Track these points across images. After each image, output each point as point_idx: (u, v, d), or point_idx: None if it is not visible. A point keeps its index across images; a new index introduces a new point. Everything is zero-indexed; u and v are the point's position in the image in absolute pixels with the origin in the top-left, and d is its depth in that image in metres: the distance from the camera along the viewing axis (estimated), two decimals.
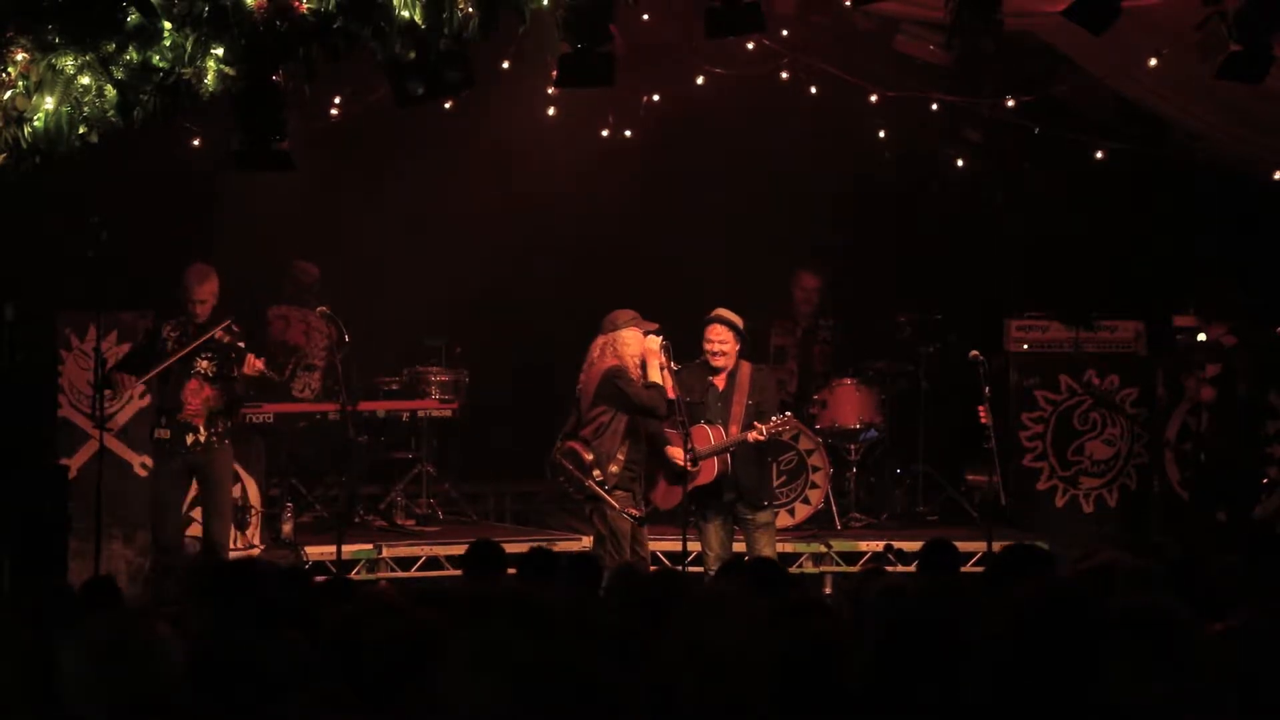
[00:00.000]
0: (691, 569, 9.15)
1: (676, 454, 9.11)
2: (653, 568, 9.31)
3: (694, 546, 9.66)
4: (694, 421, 9.17)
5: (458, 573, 9.00)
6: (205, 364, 9.04)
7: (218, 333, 9.01)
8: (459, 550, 9.13)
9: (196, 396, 9.03)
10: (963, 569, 7.44)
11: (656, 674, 3.66)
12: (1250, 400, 10.17)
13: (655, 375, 9.00)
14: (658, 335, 9.06)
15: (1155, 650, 3.76)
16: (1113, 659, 3.72)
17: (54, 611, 4.57)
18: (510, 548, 10.31)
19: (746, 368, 9.35)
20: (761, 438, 9.13)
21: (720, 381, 9.31)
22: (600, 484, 9.04)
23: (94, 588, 5.64)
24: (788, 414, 9.36)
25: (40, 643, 3.69)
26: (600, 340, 9.14)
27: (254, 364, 9.02)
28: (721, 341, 9.22)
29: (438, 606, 4.06)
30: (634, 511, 9.06)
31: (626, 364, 9.03)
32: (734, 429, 9.17)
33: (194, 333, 9.01)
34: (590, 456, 9.08)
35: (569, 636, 3.08)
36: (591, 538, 9.46)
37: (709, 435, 9.19)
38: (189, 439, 9.05)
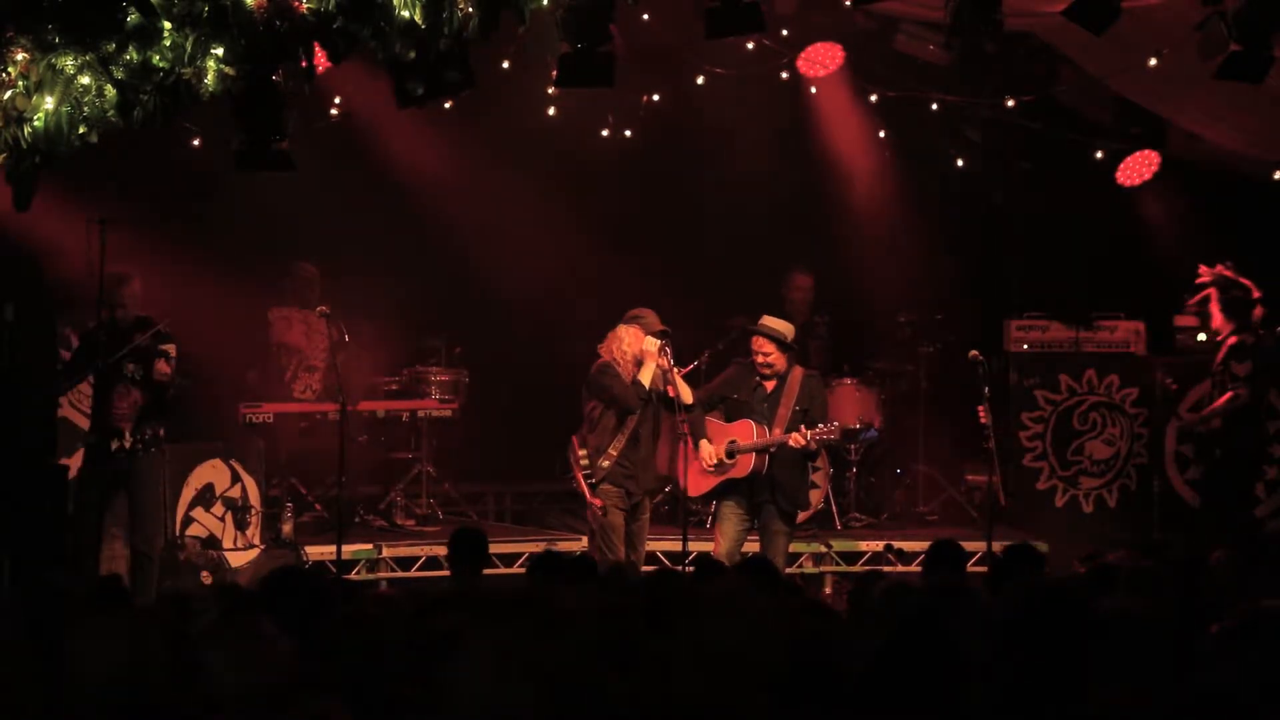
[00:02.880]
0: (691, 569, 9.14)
1: (707, 449, 9.11)
2: (649, 568, 9.32)
3: (694, 546, 9.66)
4: (738, 418, 9.17)
5: None
6: (132, 367, 8.84)
7: (143, 337, 8.82)
8: None
9: (124, 400, 8.83)
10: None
11: (657, 674, 3.65)
12: (1258, 400, 10.14)
13: (645, 375, 9.03)
14: (659, 337, 9.06)
15: (1148, 652, 3.76)
16: (1108, 660, 3.73)
17: (61, 612, 4.56)
18: (510, 548, 10.53)
19: (798, 373, 9.27)
20: (804, 442, 8.98)
21: (769, 384, 9.27)
22: (588, 478, 9.05)
23: (104, 587, 5.62)
24: (835, 424, 9.26)
25: (45, 643, 3.69)
26: (608, 335, 9.20)
27: (161, 369, 8.81)
28: (765, 353, 9.17)
29: (445, 608, 4.05)
30: (597, 502, 9.02)
31: (616, 359, 9.06)
32: (777, 431, 9.12)
33: (118, 336, 8.81)
34: (583, 451, 9.10)
35: (583, 639, 3.08)
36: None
37: (753, 431, 9.15)
38: (114, 444, 8.83)
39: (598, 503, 9.04)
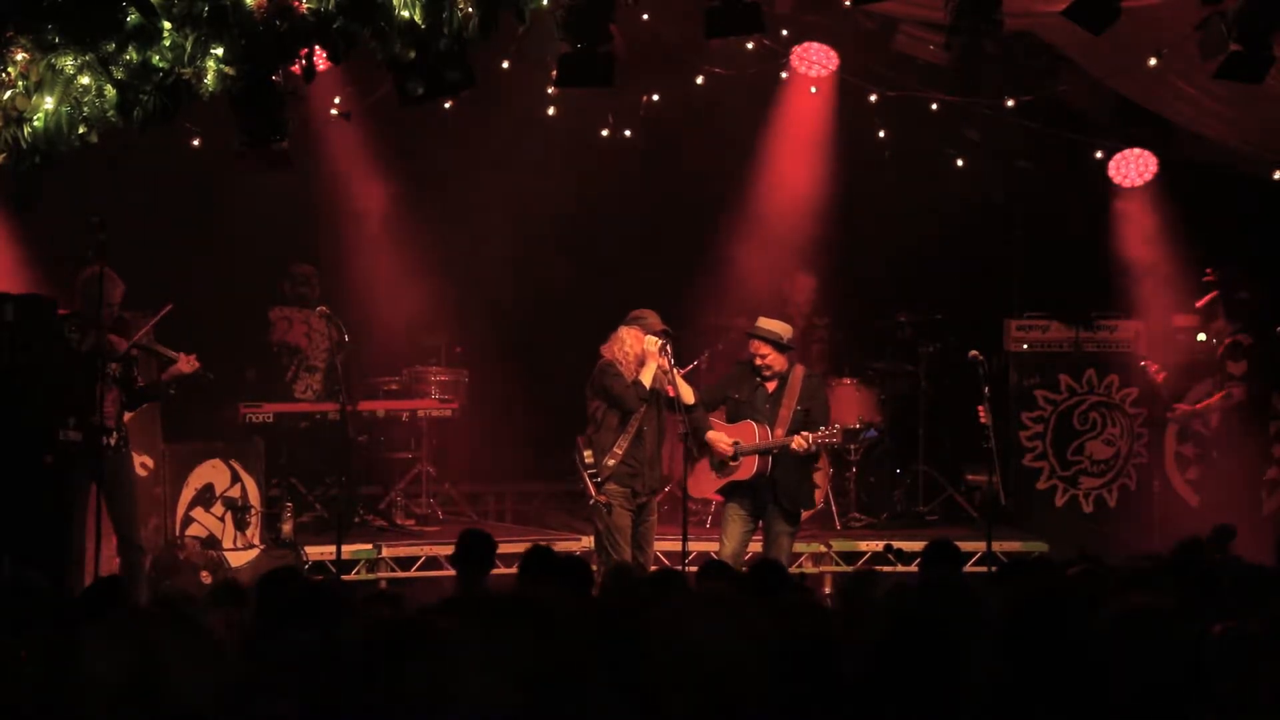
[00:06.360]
0: (691, 569, 9.14)
1: (718, 439, 9.11)
2: (653, 568, 9.32)
3: (694, 546, 9.66)
4: (740, 418, 9.17)
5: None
6: (115, 366, 8.75)
7: (139, 336, 8.82)
8: None
9: (108, 399, 8.71)
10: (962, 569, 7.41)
11: (652, 675, 3.65)
12: (1262, 399, 10.21)
13: (647, 375, 9.04)
14: (660, 337, 9.06)
15: (1150, 651, 3.76)
16: (1108, 659, 3.72)
17: (65, 613, 4.55)
18: (510, 548, 10.52)
19: (799, 372, 9.28)
20: (806, 446, 9.01)
21: (770, 384, 9.27)
22: (593, 477, 9.05)
23: (101, 588, 5.60)
24: (836, 426, 9.27)
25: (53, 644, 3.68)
26: (611, 337, 9.21)
27: (191, 361, 8.81)
28: (763, 355, 9.18)
29: (438, 606, 4.05)
30: (601, 499, 9.02)
31: (619, 359, 9.07)
32: (779, 432, 9.12)
33: (100, 335, 8.65)
34: (588, 450, 9.11)
35: (571, 638, 3.07)
36: (592, 537, 9.47)
37: (755, 433, 9.15)
38: (101, 441, 8.67)
39: (600, 499, 9.04)
